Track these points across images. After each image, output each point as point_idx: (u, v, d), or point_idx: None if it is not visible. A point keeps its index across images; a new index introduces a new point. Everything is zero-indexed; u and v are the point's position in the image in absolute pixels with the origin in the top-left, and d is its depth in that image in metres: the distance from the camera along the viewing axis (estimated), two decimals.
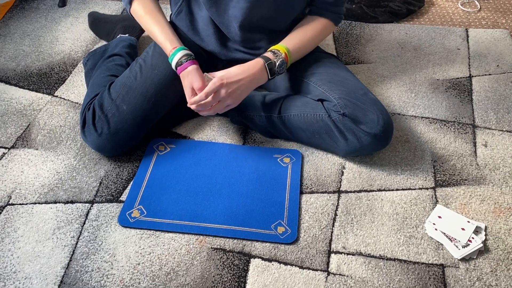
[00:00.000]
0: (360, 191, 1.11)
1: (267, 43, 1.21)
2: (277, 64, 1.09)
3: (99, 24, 1.57)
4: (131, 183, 1.13)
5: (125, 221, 1.04)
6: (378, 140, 1.10)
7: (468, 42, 1.58)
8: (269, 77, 1.10)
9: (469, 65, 1.48)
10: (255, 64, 1.09)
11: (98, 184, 1.12)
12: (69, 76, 1.44)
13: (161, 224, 1.03)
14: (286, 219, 1.04)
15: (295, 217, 1.05)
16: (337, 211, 1.07)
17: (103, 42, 1.57)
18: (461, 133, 1.25)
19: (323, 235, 1.02)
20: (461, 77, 1.44)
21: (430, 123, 1.28)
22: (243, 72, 1.07)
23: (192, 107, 1.07)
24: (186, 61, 1.08)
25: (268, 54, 1.11)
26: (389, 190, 1.11)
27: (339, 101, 1.10)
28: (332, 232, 1.02)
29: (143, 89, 1.14)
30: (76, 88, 1.40)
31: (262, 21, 1.16)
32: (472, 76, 1.44)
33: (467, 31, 1.63)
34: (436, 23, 1.69)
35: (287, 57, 1.11)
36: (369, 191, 1.11)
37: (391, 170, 1.16)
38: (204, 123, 1.28)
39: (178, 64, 1.08)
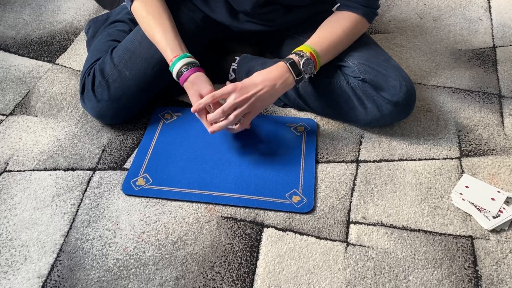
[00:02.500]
0: (380, 161, 1.04)
1: (282, 14, 1.14)
2: (301, 62, 0.98)
3: None
4: (136, 150, 1.06)
5: (129, 189, 0.97)
6: (400, 109, 1.02)
7: (490, 13, 1.50)
8: (296, 78, 0.99)
9: (493, 36, 1.40)
10: (275, 67, 0.98)
11: (100, 152, 1.05)
12: (71, 44, 1.37)
13: (168, 192, 0.96)
14: (301, 188, 0.97)
15: (311, 186, 0.98)
16: (355, 181, 1.00)
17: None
18: (487, 103, 1.17)
19: (341, 205, 0.95)
20: (484, 48, 1.35)
21: (453, 92, 1.20)
22: (262, 77, 0.96)
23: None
24: (187, 70, 0.97)
25: (290, 56, 0.99)
26: (411, 160, 1.04)
27: (359, 66, 1.03)
28: (350, 202, 0.95)
29: (147, 54, 1.06)
30: (78, 56, 1.33)
31: None
32: (496, 47, 1.36)
33: (489, 2, 1.55)
34: None
35: (314, 57, 0.99)
36: (389, 161, 1.04)
37: (412, 140, 1.08)
38: None
39: (179, 74, 0.98)
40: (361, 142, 1.08)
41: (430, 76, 1.26)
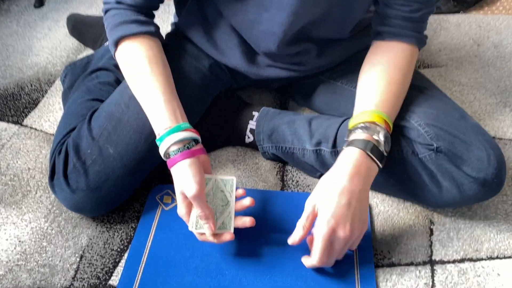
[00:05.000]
0: (462, 261, 0.75)
1: (315, 55, 0.86)
2: (381, 140, 0.70)
3: (82, 29, 1.21)
4: (126, 255, 0.78)
5: None
6: (487, 188, 0.73)
7: None
8: (380, 166, 0.71)
9: None
10: (351, 162, 0.68)
11: (78, 259, 0.77)
12: (43, 97, 1.09)
13: None
14: None
15: None
16: None
17: (89, 51, 1.22)
18: None
19: None
20: None
21: None
22: (343, 186, 0.67)
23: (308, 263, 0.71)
24: (177, 153, 0.69)
25: (358, 135, 0.70)
26: (505, 257, 0.75)
27: (428, 129, 0.74)
28: None
29: (138, 122, 0.78)
30: (52, 113, 1.05)
31: (311, 29, 0.81)
32: None
33: None
34: None
35: (389, 127, 0.72)
36: (476, 260, 0.75)
37: (502, 225, 0.79)
38: (225, 159, 0.93)
39: (166, 156, 0.71)
40: (431, 230, 0.80)
41: (505, 126, 0.97)
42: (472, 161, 0.72)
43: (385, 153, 0.71)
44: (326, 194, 0.68)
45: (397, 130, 0.77)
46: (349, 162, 0.69)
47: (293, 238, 0.70)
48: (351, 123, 0.73)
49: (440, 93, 0.83)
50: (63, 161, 0.78)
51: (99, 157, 0.77)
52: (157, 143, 0.71)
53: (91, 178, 0.76)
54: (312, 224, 0.69)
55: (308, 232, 0.70)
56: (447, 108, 0.78)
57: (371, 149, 0.69)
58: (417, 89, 0.81)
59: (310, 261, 0.70)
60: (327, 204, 0.67)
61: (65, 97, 1.01)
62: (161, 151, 0.70)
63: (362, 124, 0.71)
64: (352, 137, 0.71)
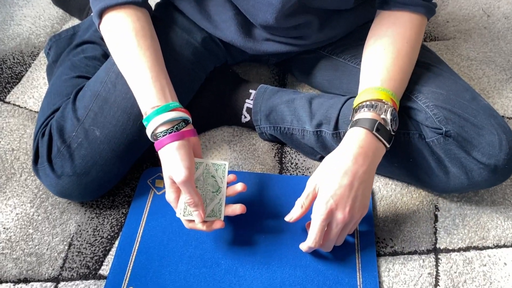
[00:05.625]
0: (468, 249, 0.72)
1: (316, 29, 0.80)
2: (388, 119, 0.65)
3: None
4: (116, 243, 0.74)
5: None
6: (498, 174, 0.70)
7: None
8: (388, 146, 0.67)
9: None
10: (356, 143, 0.64)
11: (66, 248, 0.74)
12: (26, 71, 1.03)
13: None
14: None
15: None
16: (437, 287, 0.68)
17: (76, 21, 1.15)
18: None
19: None
20: None
21: None
22: (346, 167, 0.63)
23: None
24: (165, 134, 0.64)
25: (363, 114, 0.66)
26: None
27: (436, 111, 0.69)
28: None
29: (126, 102, 0.73)
30: (36, 89, 0.99)
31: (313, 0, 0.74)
32: None
33: None
34: None
35: (395, 104, 0.67)
36: (482, 249, 0.72)
37: (509, 211, 0.76)
38: (221, 140, 0.88)
39: (153, 137, 0.66)
40: (436, 217, 0.76)
41: None
42: (483, 146, 0.68)
43: (392, 132, 0.66)
44: (328, 174, 0.64)
45: (404, 112, 0.73)
46: (354, 143, 0.64)
47: (290, 216, 0.67)
48: (356, 101, 0.68)
49: (449, 71, 0.78)
50: (46, 144, 0.73)
51: (85, 140, 0.72)
52: (144, 123, 0.66)
53: (77, 163, 0.72)
54: (311, 204, 0.65)
55: (307, 212, 0.66)
56: (457, 88, 0.73)
57: (378, 128, 0.64)
58: (425, 66, 0.76)
59: (306, 243, 0.66)
60: (328, 184, 0.63)
61: (50, 72, 0.95)
62: (148, 132, 0.66)
63: (368, 103, 0.66)
64: (357, 116, 0.66)
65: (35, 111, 0.94)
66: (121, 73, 0.72)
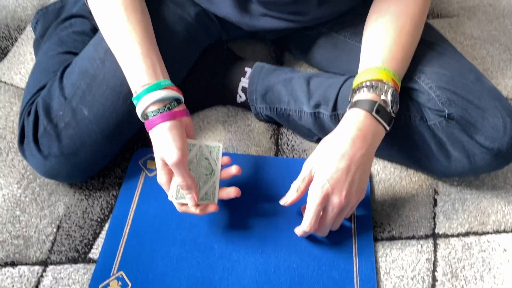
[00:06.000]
0: (467, 234, 0.71)
1: (316, 5, 0.76)
2: (389, 101, 0.62)
3: None
4: (107, 226, 0.72)
5: None
6: (501, 159, 0.67)
7: None
8: (388, 129, 0.64)
9: None
10: (355, 125, 0.61)
11: (54, 230, 0.71)
12: (13, 46, 0.98)
13: None
14: None
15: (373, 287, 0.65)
16: (435, 273, 0.67)
17: None
18: None
19: None
20: None
21: None
22: (343, 150, 0.61)
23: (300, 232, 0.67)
24: (156, 114, 0.61)
25: (363, 95, 0.63)
26: None
27: (439, 93, 0.67)
28: None
29: (115, 79, 0.69)
30: (23, 65, 0.95)
31: None
32: None
33: None
34: None
35: (397, 85, 0.64)
36: (481, 234, 0.71)
37: (510, 196, 0.74)
38: (215, 120, 0.85)
39: (143, 117, 0.63)
40: (435, 201, 0.74)
41: None
42: (486, 130, 0.66)
43: (393, 114, 0.63)
44: (324, 157, 0.62)
45: (405, 93, 0.70)
46: (352, 125, 0.62)
47: (285, 199, 0.65)
48: (356, 81, 0.65)
49: (453, 50, 0.75)
50: (32, 123, 0.70)
51: (72, 119, 0.69)
52: (134, 102, 0.63)
53: (65, 143, 0.69)
54: (307, 187, 0.63)
55: (303, 196, 0.64)
56: (461, 68, 0.70)
57: (378, 110, 0.62)
58: (428, 45, 0.73)
59: (301, 227, 0.64)
60: (324, 167, 0.61)
61: (37, 47, 0.91)
62: (138, 112, 0.63)
63: (368, 83, 0.63)
64: (357, 97, 0.63)
65: (22, 88, 0.90)
66: (110, 49, 0.68)
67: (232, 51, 0.89)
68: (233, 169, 0.68)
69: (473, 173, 0.71)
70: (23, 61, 0.95)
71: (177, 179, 0.62)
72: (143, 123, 0.65)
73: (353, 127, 0.62)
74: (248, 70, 0.83)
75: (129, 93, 0.66)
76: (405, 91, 0.69)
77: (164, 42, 0.69)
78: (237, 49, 0.94)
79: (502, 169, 0.76)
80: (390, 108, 0.63)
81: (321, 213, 0.63)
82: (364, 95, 0.63)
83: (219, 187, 0.67)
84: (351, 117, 0.63)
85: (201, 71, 0.83)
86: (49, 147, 0.69)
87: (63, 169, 0.70)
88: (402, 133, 0.70)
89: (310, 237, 0.69)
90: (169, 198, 0.64)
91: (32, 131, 0.70)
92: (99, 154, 0.71)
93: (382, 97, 0.62)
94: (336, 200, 0.61)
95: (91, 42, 0.75)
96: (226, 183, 0.70)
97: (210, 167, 0.67)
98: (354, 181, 0.61)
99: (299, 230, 0.66)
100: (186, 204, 0.65)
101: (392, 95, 0.63)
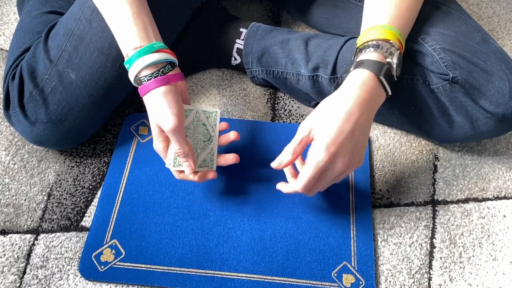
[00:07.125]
0: (467, 201, 0.70)
1: None
2: (394, 63, 0.58)
3: None
4: (99, 194, 0.70)
5: (90, 271, 0.63)
6: (505, 124, 0.65)
7: None
8: (390, 94, 0.60)
9: None
10: (361, 86, 0.57)
11: (45, 198, 0.70)
12: None
13: (151, 274, 0.62)
14: (354, 260, 0.64)
15: (369, 255, 0.64)
16: (433, 240, 0.66)
17: None
18: None
19: (416, 286, 0.62)
20: None
21: None
22: (348, 112, 0.56)
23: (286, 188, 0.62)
24: (150, 79, 0.57)
25: (368, 55, 0.58)
26: None
27: (444, 55, 0.63)
28: (430, 280, 0.63)
29: (103, 41, 0.66)
30: (7, 25, 0.90)
31: None
32: None
33: None
34: None
35: (402, 46, 0.60)
36: (481, 201, 0.70)
37: None
38: (209, 84, 0.82)
39: (136, 81, 0.59)
40: (435, 167, 0.73)
41: None
42: (491, 94, 0.63)
43: (395, 78, 0.60)
44: (327, 117, 0.57)
45: (407, 55, 0.66)
46: (358, 86, 0.57)
47: (278, 162, 0.60)
48: (360, 40, 0.61)
49: (459, 9, 0.71)
50: (17, 88, 0.67)
51: (59, 84, 0.66)
52: (126, 66, 0.60)
53: (52, 109, 0.66)
54: (303, 150, 0.60)
55: (296, 158, 0.61)
56: (467, 29, 0.67)
57: (384, 72, 0.58)
58: (433, 4, 0.69)
59: (291, 186, 0.60)
60: (328, 129, 0.56)
61: (20, 6, 0.85)
62: (131, 76, 0.59)
63: (374, 42, 0.59)
64: (362, 57, 0.59)
65: (6, 50, 0.86)
66: (97, 8, 0.64)
67: (226, 10, 0.84)
68: (232, 135, 0.66)
69: (475, 138, 0.69)
70: (6, 22, 0.91)
71: (174, 147, 0.60)
72: (133, 87, 0.62)
73: (359, 88, 0.57)
74: (243, 30, 0.79)
75: (119, 56, 0.63)
76: (408, 53, 0.66)
77: (155, 1, 0.65)
78: (231, 8, 0.90)
79: (505, 134, 0.74)
80: (394, 71, 0.59)
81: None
82: (371, 55, 0.59)
83: (217, 153, 0.65)
84: (356, 77, 0.58)
85: (194, 33, 0.79)
86: (36, 113, 0.66)
87: (52, 136, 0.68)
88: (404, 97, 0.68)
89: (307, 204, 0.68)
90: (167, 165, 0.62)
91: (18, 97, 0.66)
92: (88, 120, 0.69)
93: (388, 59, 0.58)
94: (339, 165, 0.57)
95: (77, 1, 0.71)
96: (222, 149, 0.68)
97: (207, 134, 0.65)
98: (357, 146, 0.58)
99: (288, 188, 0.61)
100: (183, 172, 0.63)
101: (398, 59, 0.59)
